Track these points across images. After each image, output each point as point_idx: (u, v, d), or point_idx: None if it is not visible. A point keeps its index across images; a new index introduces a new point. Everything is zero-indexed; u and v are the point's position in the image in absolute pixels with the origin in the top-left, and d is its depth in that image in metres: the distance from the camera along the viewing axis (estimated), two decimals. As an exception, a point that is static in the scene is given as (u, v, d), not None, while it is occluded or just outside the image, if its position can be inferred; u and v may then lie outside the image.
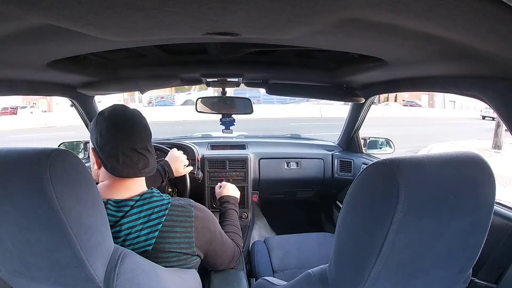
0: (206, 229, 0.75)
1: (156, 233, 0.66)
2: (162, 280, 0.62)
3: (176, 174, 1.27)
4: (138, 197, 0.69)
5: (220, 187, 1.24)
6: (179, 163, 1.28)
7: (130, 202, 0.67)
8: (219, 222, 0.92)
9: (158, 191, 0.73)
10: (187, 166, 1.35)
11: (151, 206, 0.68)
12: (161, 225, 0.67)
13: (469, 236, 0.53)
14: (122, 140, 0.68)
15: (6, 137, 9.31)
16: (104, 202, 0.60)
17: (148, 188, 0.74)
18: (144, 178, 0.75)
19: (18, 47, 0.66)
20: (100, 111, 0.73)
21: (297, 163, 1.87)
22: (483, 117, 14.88)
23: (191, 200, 0.77)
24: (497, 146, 7.75)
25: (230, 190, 1.20)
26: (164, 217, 0.67)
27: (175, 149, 1.35)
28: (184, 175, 1.46)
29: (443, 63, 0.75)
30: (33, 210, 0.46)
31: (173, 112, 13.47)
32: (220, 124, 1.62)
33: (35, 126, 12.42)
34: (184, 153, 1.48)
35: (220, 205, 1.15)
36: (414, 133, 9.49)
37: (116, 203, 0.67)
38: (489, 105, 0.71)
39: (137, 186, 0.72)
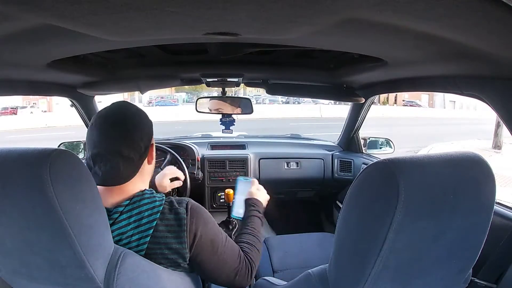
0: (201, 233, 0.67)
1: (148, 239, 0.63)
2: (162, 280, 0.62)
3: (160, 189, 1.15)
4: (128, 201, 0.65)
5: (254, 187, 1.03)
6: (163, 177, 1.17)
7: (119, 208, 0.63)
8: (241, 228, 0.83)
9: (152, 191, 0.68)
10: (175, 180, 1.22)
11: (141, 210, 0.64)
12: (152, 230, 0.63)
13: (469, 236, 0.53)
14: (105, 141, 0.63)
15: (6, 137, 9.31)
16: None
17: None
18: (139, 179, 0.69)
19: (18, 47, 0.66)
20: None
21: (297, 163, 1.87)
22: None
23: (187, 200, 0.70)
24: (497, 146, 7.76)
25: (259, 194, 1.00)
26: (155, 222, 0.63)
27: (168, 167, 1.26)
28: (184, 175, 1.46)
29: (443, 63, 0.75)
30: (33, 211, 0.46)
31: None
32: (220, 124, 1.62)
33: (35, 126, 12.42)
34: (184, 153, 1.47)
35: (245, 208, 0.97)
36: (414, 133, 9.49)
37: (107, 211, 0.63)
38: (489, 105, 0.71)
39: (130, 189, 0.67)
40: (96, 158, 0.63)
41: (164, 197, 0.68)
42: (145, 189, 0.69)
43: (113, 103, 0.69)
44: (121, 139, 0.64)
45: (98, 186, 0.67)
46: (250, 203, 0.95)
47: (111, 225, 0.62)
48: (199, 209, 0.70)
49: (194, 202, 0.71)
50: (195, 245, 0.67)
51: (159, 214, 0.64)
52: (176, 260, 0.66)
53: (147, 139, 0.69)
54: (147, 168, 0.72)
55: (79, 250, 0.48)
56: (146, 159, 0.70)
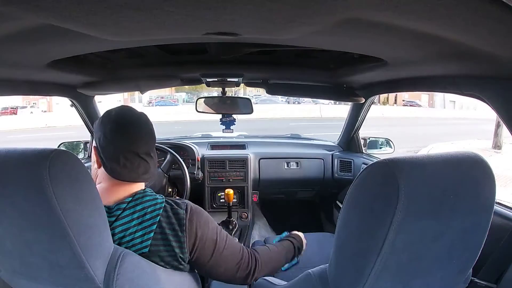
0: (202, 234, 0.69)
1: (151, 234, 0.64)
2: (162, 280, 0.62)
3: None
4: (130, 198, 0.67)
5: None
6: None
7: (122, 205, 0.65)
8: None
9: (151, 190, 0.71)
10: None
11: (144, 206, 0.66)
12: (155, 225, 0.64)
13: (469, 236, 0.53)
14: (125, 143, 0.67)
15: (6, 137, 9.30)
16: None
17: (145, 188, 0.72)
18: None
19: (18, 47, 0.66)
20: (107, 110, 0.71)
21: (297, 163, 1.87)
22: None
23: (186, 201, 0.71)
24: (497, 146, 7.76)
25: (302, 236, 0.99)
26: (159, 217, 0.65)
27: None
28: (184, 175, 1.46)
29: (443, 63, 0.75)
30: (32, 211, 0.46)
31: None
32: (221, 124, 1.62)
33: (35, 126, 12.41)
34: (184, 153, 1.47)
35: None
36: (414, 133, 9.48)
37: (109, 209, 0.64)
38: (489, 105, 0.71)
39: (135, 187, 0.70)
40: (127, 155, 0.67)
41: (164, 197, 0.70)
42: (145, 188, 0.71)
43: (122, 107, 0.72)
44: (150, 141, 0.72)
45: (101, 184, 0.69)
46: (291, 234, 0.97)
47: (114, 221, 0.63)
48: (198, 210, 0.71)
49: (193, 204, 0.72)
50: (196, 247, 0.68)
51: (161, 210, 0.66)
52: (176, 260, 0.66)
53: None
54: None
55: (78, 250, 0.48)
56: None
